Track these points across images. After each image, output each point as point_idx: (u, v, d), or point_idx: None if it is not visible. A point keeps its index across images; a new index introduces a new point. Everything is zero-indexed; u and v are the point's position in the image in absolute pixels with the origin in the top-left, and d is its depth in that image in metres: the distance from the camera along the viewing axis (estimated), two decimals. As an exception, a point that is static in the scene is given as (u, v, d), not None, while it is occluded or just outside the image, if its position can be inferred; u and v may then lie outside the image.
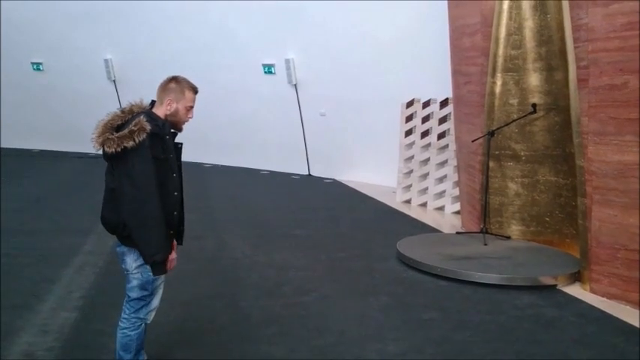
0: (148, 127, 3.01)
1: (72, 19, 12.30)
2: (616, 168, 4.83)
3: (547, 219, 6.30)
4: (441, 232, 7.38)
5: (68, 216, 7.97)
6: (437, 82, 8.42)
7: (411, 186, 9.09)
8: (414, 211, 8.57)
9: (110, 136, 3.00)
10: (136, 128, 2.98)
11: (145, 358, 3.41)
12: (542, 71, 6.16)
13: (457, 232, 7.00)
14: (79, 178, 11.10)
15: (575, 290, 5.24)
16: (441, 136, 8.71)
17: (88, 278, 5.43)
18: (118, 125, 3.07)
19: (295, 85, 11.03)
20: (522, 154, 6.34)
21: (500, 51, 6.29)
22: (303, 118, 11.27)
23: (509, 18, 6.23)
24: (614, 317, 4.66)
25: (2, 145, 13.95)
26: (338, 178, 11.03)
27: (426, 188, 8.86)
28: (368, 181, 10.44)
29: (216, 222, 7.42)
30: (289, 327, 4.39)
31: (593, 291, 5.13)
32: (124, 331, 3.27)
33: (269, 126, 11.59)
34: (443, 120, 8.68)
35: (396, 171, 9.30)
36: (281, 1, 10.06)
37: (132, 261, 3.18)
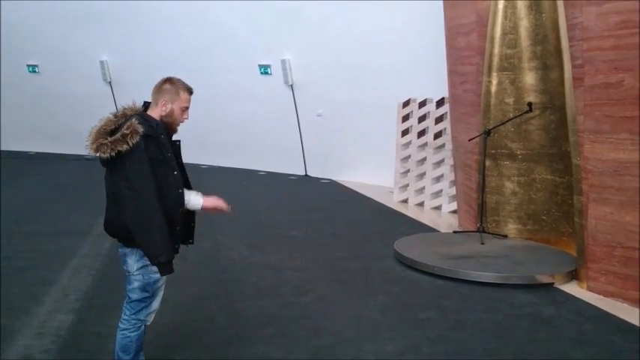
0: (141, 129, 3.02)
1: (67, 21, 12.26)
2: (612, 166, 4.84)
3: (544, 217, 6.31)
4: (438, 231, 7.39)
5: (65, 218, 7.96)
6: (433, 81, 8.42)
7: (407, 186, 9.09)
8: (411, 211, 8.58)
9: (104, 141, 3.01)
10: (128, 131, 2.99)
11: (143, 359, 3.41)
12: (537, 70, 6.17)
13: (454, 232, 7.01)
14: (76, 180, 11.07)
15: (572, 288, 5.24)
16: (437, 135, 8.71)
17: (85, 280, 5.43)
18: (111, 130, 3.08)
19: (292, 85, 11.03)
20: (518, 152, 6.35)
21: (496, 50, 6.30)
22: (300, 119, 11.27)
23: (505, 17, 6.24)
24: (612, 315, 4.66)
25: (-1, 148, 13.93)
26: (335, 178, 11.03)
27: (423, 188, 8.87)
28: (365, 181, 10.43)
29: (213, 223, 7.38)
30: (286, 327, 4.39)
31: (590, 289, 5.14)
32: (124, 332, 3.28)
33: (266, 127, 11.58)
34: (439, 119, 8.69)
35: (393, 171, 9.30)
36: (277, 2, 10.05)
37: (133, 262, 3.19)
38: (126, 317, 3.28)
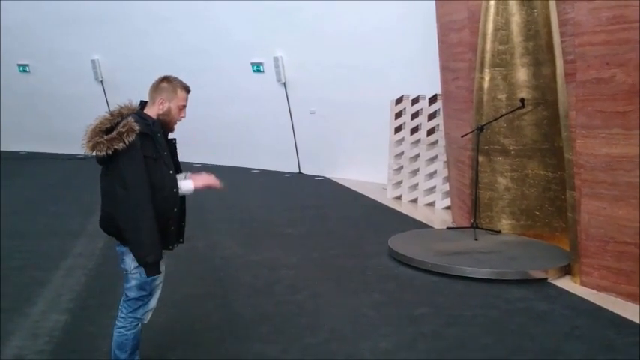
0: (137, 127, 3.01)
1: (58, 20, 12.19)
2: (604, 161, 4.86)
3: (537, 213, 6.34)
4: (431, 227, 7.39)
5: (58, 218, 7.92)
6: (426, 78, 8.43)
7: (401, 182, 9.10)
8: (404, 208, 8.59)
9: (100, 140, 3.00)
10: (124, 130, 2.98)
11: (139, 358, 3.40)
12: (529, 66, 6.19)
13: (448, 228, 7.02)
14: (68, 180, 11.02)
15: (566, 283, 5.27)
16: (430, 132, 8.72)
17: (79, 280, 5.41)
18: (107, 128, 3.07)
19: (284, 83, 11.01)
20: (511, 148, 6.37)
21: (488, 46, 6.31)
22: (293, 117, 11.26)
23: (497, 13, 6.25)
24: (605, 309, 4.69)
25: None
26: (328, 175, 11.03)
27: (417, 184, 8.88)
28: (358, 179, 10.44)
29: (207, 221, 7.40)
30: (281, 325, 4.39)
31: (583, 284, 5.16)
32: (121, 330, 3.28)
33: (259, 125, 11.56)
34: (432, 116, 8.69)
35: (387, 167, 9.31)
36: (270, 0, 10.03)
37: (131, 261, 3.18)
38: (123, 315, 3.28)
